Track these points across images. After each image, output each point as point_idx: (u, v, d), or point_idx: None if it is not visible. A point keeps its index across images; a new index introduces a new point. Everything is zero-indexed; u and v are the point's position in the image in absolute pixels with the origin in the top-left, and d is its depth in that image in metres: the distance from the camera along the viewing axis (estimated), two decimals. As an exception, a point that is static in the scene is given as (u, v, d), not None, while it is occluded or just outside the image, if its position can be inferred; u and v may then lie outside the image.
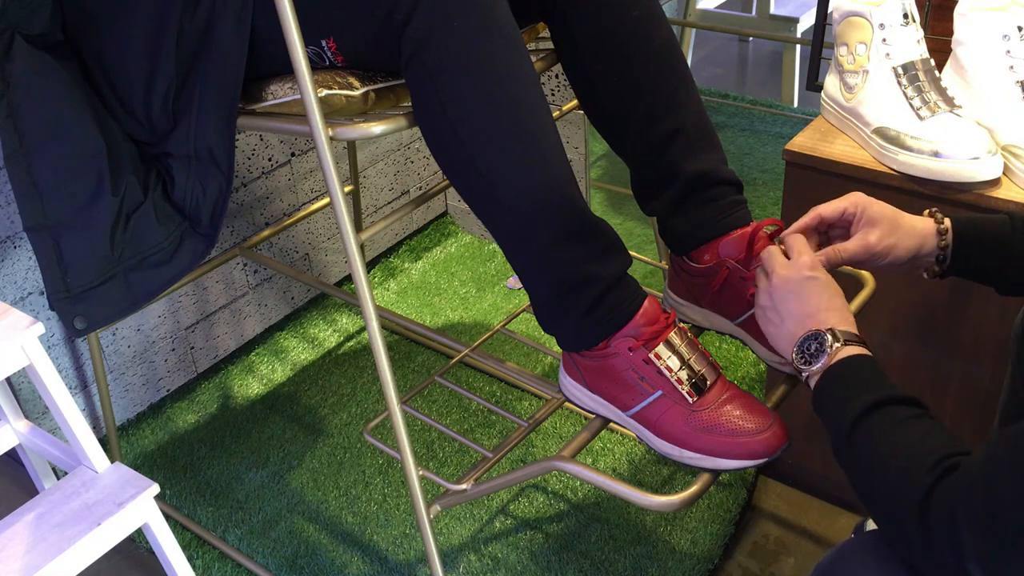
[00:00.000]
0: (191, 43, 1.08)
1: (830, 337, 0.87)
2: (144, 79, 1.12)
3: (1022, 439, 0.70)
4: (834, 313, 0.90)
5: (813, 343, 0.88)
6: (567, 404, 1.41)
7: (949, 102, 1.20)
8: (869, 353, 0.87)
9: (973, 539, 0.69)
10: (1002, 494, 0.68)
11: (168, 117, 1.13)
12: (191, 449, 1.69)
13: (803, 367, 0.89)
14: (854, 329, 0.89)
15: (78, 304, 1.14)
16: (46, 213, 1.13)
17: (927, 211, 0.99)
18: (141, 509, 1.16)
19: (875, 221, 0.97)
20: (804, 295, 0.92)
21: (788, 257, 0.96)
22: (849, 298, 1.16)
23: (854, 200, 0.98)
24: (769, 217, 1.06)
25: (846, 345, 0.87)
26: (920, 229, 0.97)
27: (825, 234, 1.03)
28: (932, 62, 1.22)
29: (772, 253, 0.97)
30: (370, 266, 2.15)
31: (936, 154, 1.17)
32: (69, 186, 1.13)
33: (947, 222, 0.97)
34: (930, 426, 0.79)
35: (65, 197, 1.13)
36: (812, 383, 0.89)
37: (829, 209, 0.99)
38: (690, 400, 0.97)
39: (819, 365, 0.87)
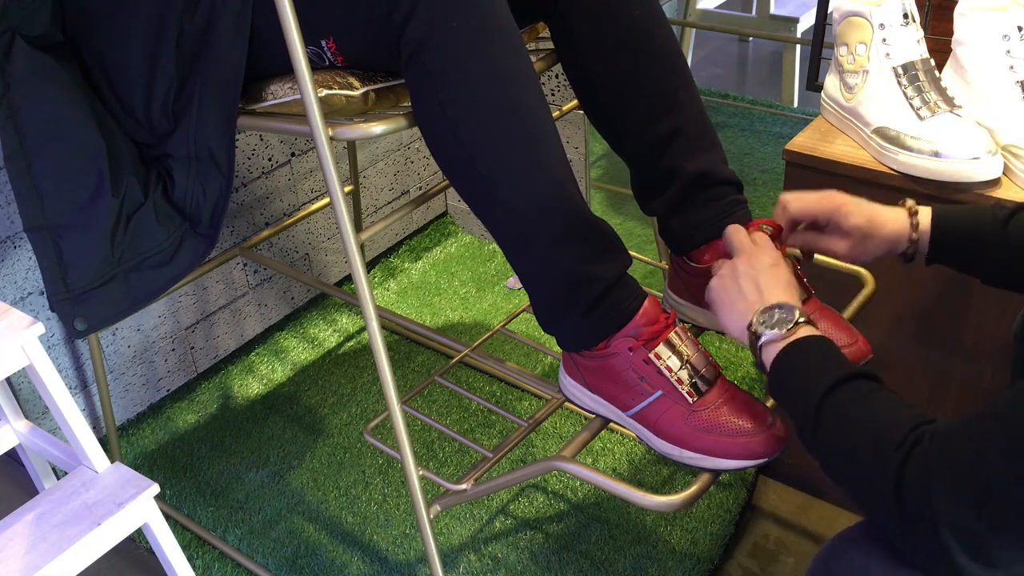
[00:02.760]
0: (191, 44, 1.08)
1: (798, 312, 0.89)
2: (144, 80, 1.12)
3: (992, 403, 0.70)
4: (794, 298, 0.93)
5: (778, 311, 0.90)
6: (567, 404, 1.41)
7: (949, 102, 1.20)
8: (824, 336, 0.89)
9: (944, 502, 0.69)
10: (968, 453, 0.69)
11: (168, 118, 1.13)
12: (191, 449, 1.69)
13: (763, 331, 0.89)
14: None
15: (78, 305, 1.14)
16: (46, 214, 1.13)
17: (904, 202, 1.01)
18: (141, 509, 1.16)
19: (846, 233, 1.02)
20: (771, 274, 0.94)
21: None
22: (849, 298, 1.17)
23: (825, 207, 1.03)
24: (766, 217, 1.07)
25: (807, 324, 0.89)
26: (892, 231, 1.00)
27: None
28: (932, 62, 1.22)
29: (736, 231, 1.00)
30: (370, 266, 2.15)
31: (936, 154, 1.17)
32: (69, 187, 1.13)
33: (920, 216, 1.00)
34: (891, 399, 0.80)
35: (65, 198, 1.13)
36: (766, 355, 0.89)
37: (799, 209, 1.04)
38: (690, 400, 0.97)
39: (776, 333, 0.88)
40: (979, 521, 0.68)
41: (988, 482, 0.67)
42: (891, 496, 0.73)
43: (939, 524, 0.69)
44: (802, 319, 0.89)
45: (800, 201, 1.04)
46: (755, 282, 0.93)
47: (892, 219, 1.00)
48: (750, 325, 0.91)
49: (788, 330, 0.88)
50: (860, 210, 1.01)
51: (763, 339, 0.89)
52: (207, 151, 1.12)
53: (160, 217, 1.15)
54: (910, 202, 1.01)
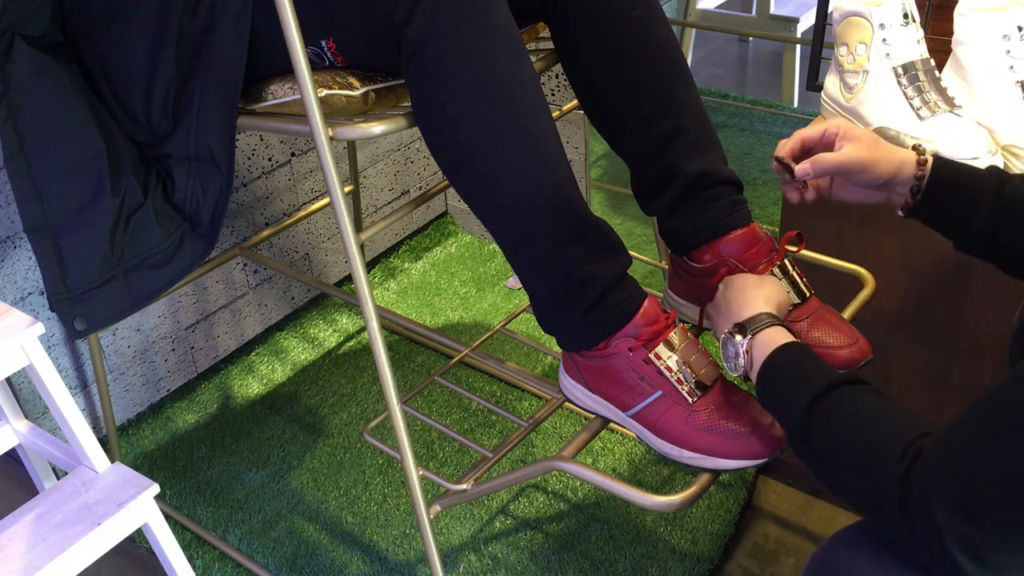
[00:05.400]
0: (191, 44, 1.08)
1: (739, 335, 0.95)
2: (144, 80, 1.12)
3: (979, 408, 0.71)
4: (757, 308, 0.97)
5: (728, 345, 0.96)
6: (567, 404, 1.41)
7: (949, 102, 1.20)
8: (793, 338, 0.92)
9: (946, 515, 0.70)
10: (966, 465, 0.69)
11: (168, 119, 1.13)
12: (191, 449, 1.69)
13: (726, 364, 0.96)
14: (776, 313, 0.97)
15: (78, 305, 1.14)
16: (46, 214, 1.13)
17: (912, 146, 1.00)
18: (141, 509, 1.16)
19: (857, 139, 0.99)
20: (731, 302, 1.00)
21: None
22: (849, 298, 1.17)
23: (836, 123, 1.01)
24: (762, 218, 1.07)
25: (769, 327, 0.93)
26: (900, 156, 0.98)
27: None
28: (932, 62, 1.22)
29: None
30: (370, 266, 2.15)
31: (936, 154, 1.16)
32: (69, 187, 1.13)
33: (929, 157, 0.98)
34: (882, 405, 0.80)
35: (65, 198, 1.13)
36: (752, 366, 0.94)
37: (810, 131, 1.02)
38: (690, 400, 0.97)
39: (731, 365, 0.95)
40: (977, 531, 0.69)
41: (980, 495, 0.68)
42: (896, 509, 0.73)
43: (943, 534, 0.70)
44: (746, 336, 0.93)
45: (808, 128, 1.04)
46: (728, 307, 1.00)
47: (900, 149, 0.99)
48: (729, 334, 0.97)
49: (742, 359, 0.93)
50: (866, 130, 1.01)
51: (732, 375, 0.97)
52: (207, 151, 1.12)
53: (160, 217, 1.15)
54: (918, 145, 1.00)
